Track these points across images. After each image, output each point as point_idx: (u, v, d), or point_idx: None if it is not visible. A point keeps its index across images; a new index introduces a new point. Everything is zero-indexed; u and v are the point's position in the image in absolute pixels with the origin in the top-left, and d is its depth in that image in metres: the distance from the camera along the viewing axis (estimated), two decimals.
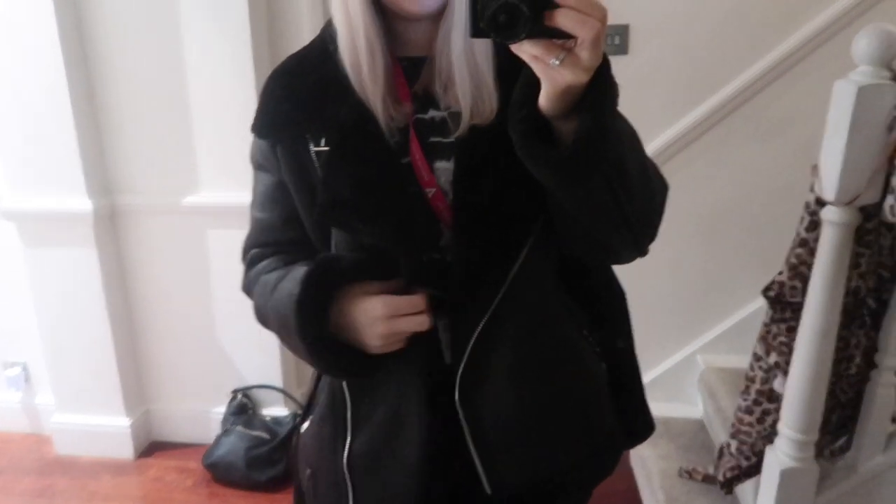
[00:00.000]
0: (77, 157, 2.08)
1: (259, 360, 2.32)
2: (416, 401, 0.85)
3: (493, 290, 0.82)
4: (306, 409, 1.02)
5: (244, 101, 1.99)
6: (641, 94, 2.11)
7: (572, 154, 0.66)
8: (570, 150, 0.66)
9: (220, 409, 2.34)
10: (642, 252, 0.84)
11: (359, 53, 0.79)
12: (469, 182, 0.80)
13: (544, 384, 0.89)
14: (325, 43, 0.84)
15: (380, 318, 0.80)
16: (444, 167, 0.81)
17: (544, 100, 0.66)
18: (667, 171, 2.06)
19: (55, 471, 2.33)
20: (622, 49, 2.07)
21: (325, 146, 0.82)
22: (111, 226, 2.23)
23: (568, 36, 0.61)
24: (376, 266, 0.83)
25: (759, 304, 2.23)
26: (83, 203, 2.12)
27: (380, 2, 0.78)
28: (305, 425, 1.01)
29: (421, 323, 0.81)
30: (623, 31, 2.05)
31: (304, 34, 2.05)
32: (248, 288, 0.97)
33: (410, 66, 0.83)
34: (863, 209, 1.32)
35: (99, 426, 2.35)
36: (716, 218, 2.22)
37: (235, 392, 2.35)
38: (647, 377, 2.35)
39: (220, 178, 2.13)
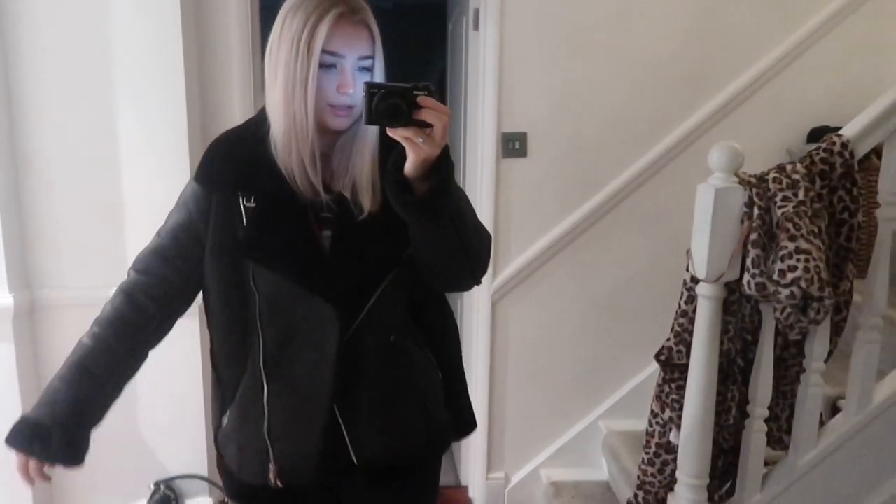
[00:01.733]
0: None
1: (182, 448, 2.32)
2: (322, 385, 1.18)
3: (353, 319, 1.17)
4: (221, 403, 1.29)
5: (175, 193, 2.10)
6: (539, 191, 2.43)
7: (427, 199, 1.02)
8: (425, 196, 1.02)
9: None
10: (477, 280, 1.21)
11: (298, 151, 1.11)
12: (340, 249, 1.17)
13: (394, 384, 1.24)
14: (257, 127, 1.17)
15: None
16: (327, 235, 1.17)
17: (409, 167, 1.01)
18: (562, 258, 2.43)
19: None
20: (522, 152, 2.38)
21: (252, 203, 1.14)
22: (29, 321, 2.22)
23: (427, 125, 0.98)
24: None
25: (649, 373, 2.53)
26: (3, 298, 2.11)
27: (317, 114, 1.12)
28: (225, 420, 1.28)
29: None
30: (522, 137, 2.38)
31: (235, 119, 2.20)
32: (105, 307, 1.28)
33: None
34: (727, 285, 1.62)
35: None
36: (607, 298, 2.53)
37: (157, 484, 2.32)
38: (554, 445, 2.61)
39: None
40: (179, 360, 2.13)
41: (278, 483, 1.23)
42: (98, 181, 2.16)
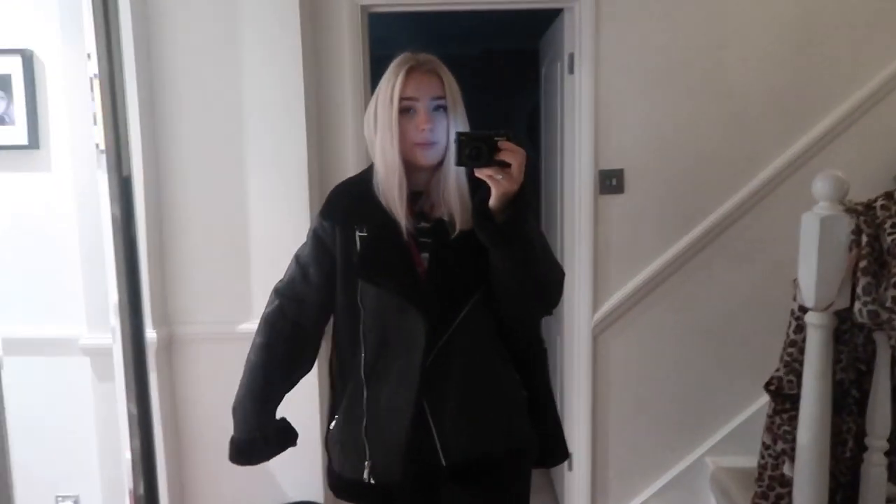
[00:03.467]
0: (146, 291, 2.33)
1: (301, 476, 2.46)
2: (408, 388, 1.35)
3: (446, 328, 1.34)
4: (332, 409, 1.51)
5: (294, 236, 2.29)
6: (637, 226, 2.47)
7: (504, 224, 1.22)
8: (503, 222, 1.22)
9: None
10: (548, 309, 1.40)
11: (392, 187, 1.34)
12: (435, 267, 1.36)
13: (480, 392, 1.39)
14: (368, 175, 1.41)
15: None
16: (425, 256, 1.37)
17: (492, 200, 1.22)
18: (662, 291, 2.46)
19: None
20: (619, 189, 2.45)
21: (364, 233, 1.37)
22: (168, 355, 2.45)
23: (506, 164, 1.18)
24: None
25: (756, 408, 2.49)
26: (147, 333, 2.34)
27: (405, 154, 1.33)
28: (333, 423, 1.49)
29: None
30: (619, 174, 2.44)
31: (348, 167, 2.38)
32: (260, 327, 1.51)
33: (413, 196, 1.38)
34: (837, 313, 1.61)
35: None
36: (709, 330, 2.51)
37: None
38: (660, 480, 2.58)
39: None
40: (297, 399, 2.28)
41: (371, 479, 1.40)
42: (227, 225, 2.38)
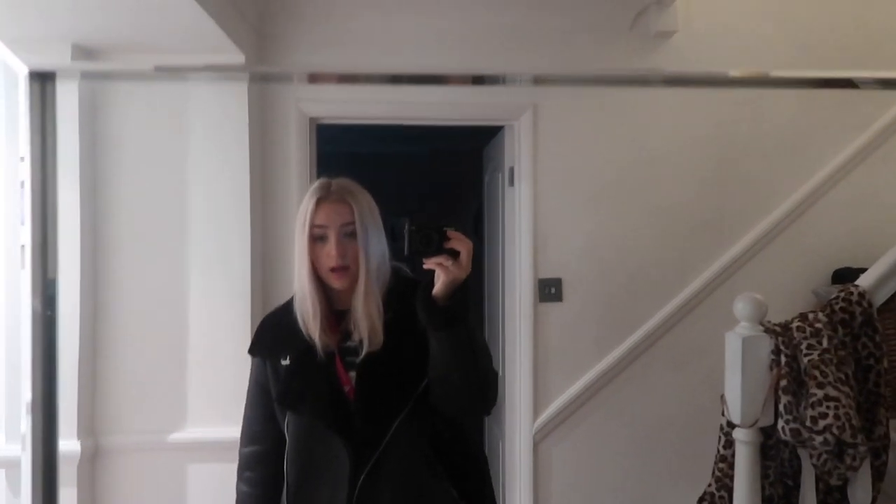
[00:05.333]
0: (74, 400, 2.24)
1: None
2: None
3: (374, 449, 1.33)
4: None
5: (236, 340, 2.27)
6: (576, 333, 2.54)
7: (448, 309, 1.23)
8: (447, 308, 1.23)
9: None
10: (487, 406, 1.36)
11: (307, 311, 1.36)
12: (363, 386, 1.35)
13: None
14: (291, 304, 1.41)
15: None
16: (353, 375, 1.36)
17: (439, 288, 1.22)
18: (600, 398, 2.49)
19: None
20: (557, 297, 2.52)
21: (287, 361, 1.39)
22: (91, 468, 2.33)
23: (456, 253, 1.20)
24: None
25: None
26: (72, 445, 2.23)
27: (320, 279, 1.36)
28: None
29: None
30: (557, 283, 2.52)
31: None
32: (238, 487, 1.49)
33: (339, 315, 1.39)
34: (763, 429, 1.67)
35: None
36: (647, 437, 2.55)
37: None
38: None
39: (208, 413, 2.32)
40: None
41: None
42: (166, 330, 2.34)
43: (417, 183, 4.66)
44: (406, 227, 1.24)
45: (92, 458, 2.31)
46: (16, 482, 2.25)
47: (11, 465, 2.24)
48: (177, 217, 2.33)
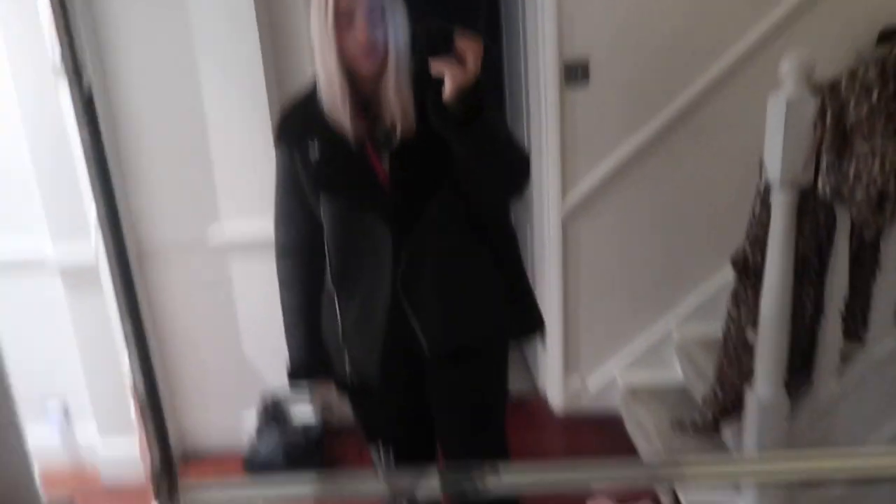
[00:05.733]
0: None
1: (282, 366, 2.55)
2: (381, 293, 1.40)
3: (415, 225, 1.38)
4: None
5: (256, 134, 2.26)
6: (604, 114, 2.49)
7: (462, 115, 1.20)
8: (461, 113, 1.21)
9: (250, 417, 2.55)
10: (519, 190, 1.42)
11: (335, 97, 1.32)
12: (397, 170, 1.37)
13: (456, 283, 1.44)
14: (312, 89, 1.39)
15: None
16: (385, 160, 1.37)
17: (448, 93, 1.19)
18: (630, 177, 2.50)
19: (103, 499, 2.48)
20: (585, 78, 2.43)
21: (319, 147, 1.38)
22: (138, 266, 2.44)
23: (463, 56, 1.16)
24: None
25: (720, 281, 2.62)
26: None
27: (345, 63, 1.30)
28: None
29: None
30: (584, 63, 2.42)
31: (306, 72, 2.32)
32: (278, 270, 1.55)
33: (365, 101, 1.36)
34: (801, 190, 1.69)
35: (136, 454, 2.50)
36: (677, 212, 2.60)
37: (264, 396, 2.56)
38: (630, 352, 2.74)
39: (241, 212, 2.37)
40: (271, 295, 2.33)
41: (353, 380, 1.49)
42: (185, 134, 2.33)
43: None
44: (411, 29, 1.20)
45: (138, 262, 2.42)
46: (73, 287, 2.37)
47: (68, 273, 2.35)
48: (181, 9, 2.21)
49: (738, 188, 2.05)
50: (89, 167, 0.99)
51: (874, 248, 1.77)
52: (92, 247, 2.32)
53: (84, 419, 2.59)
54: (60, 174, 2.24)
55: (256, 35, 2.23)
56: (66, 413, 2.63)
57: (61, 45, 0.83)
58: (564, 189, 2.57)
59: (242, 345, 2.55)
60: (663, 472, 1.32)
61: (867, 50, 2.38)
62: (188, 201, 2.41)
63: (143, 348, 1.17)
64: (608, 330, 2.75)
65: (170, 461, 1.19)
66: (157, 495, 1.17)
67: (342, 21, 1.26)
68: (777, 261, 1.73)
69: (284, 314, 1.56)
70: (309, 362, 1.56)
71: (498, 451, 1.61)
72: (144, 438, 1.12)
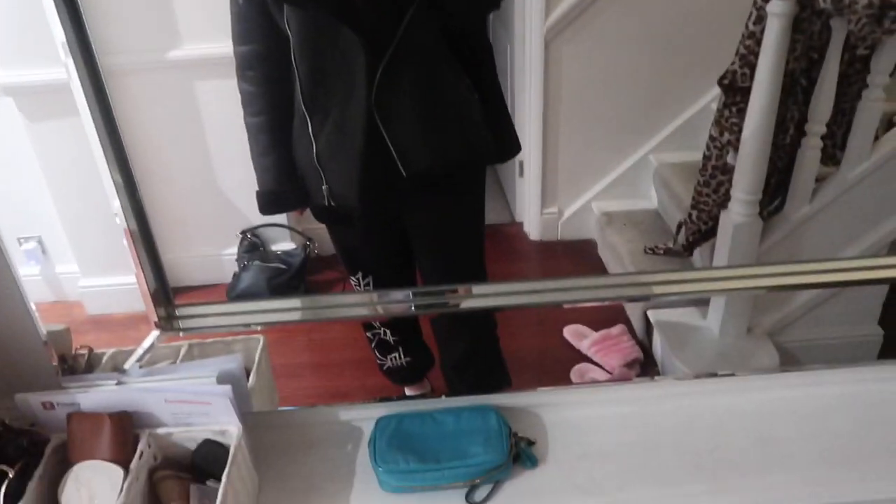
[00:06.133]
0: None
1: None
2: (356, 112, 1.33)
3: (391, 38, 1.27)
4: None
5: None
6: None
7: None
8: None
9: (231, 252, 2.56)
10: (496, 2, 1.33)
11: None
12: None
13: (434, 100, 1.37)
14: None
15: None
16: None
17: None
18: None
19: (92, 328, 2.53)
20: None
21: None
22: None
23: None
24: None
25: (700, 106, 2.56)
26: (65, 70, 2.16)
27: None
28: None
29: None
30: None
31: None
32: (239, 90, 1.45)
33: None
34: (799, 0, 1.58)
35: (122, 284, 2.51)
36: (664, 32, 2.45)
37: (244, 233, 2.55)
38: (606, 179, 2.74)
39: (203, 30, 2.20)
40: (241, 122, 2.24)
41: (331, 202, 1.44)
42: None
43: None
44: None
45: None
46: (29, 109, 2.24)
47: (21, 93, 2.20)
48: None
49: (727, 12, 1.92)
50: None
51: (865, 65, 1.70)
52: (51, 70, 2.15)
53: (63, 261, 2.56)
54: None
55: None
56: (44, 252, 2.59)
57: None
58: (548, 5, 2.40)
59: (218, 181, 2.47)
60: (632, 288, 1.35)
61: None
62: (146, 20, 2.21)
63: (130, 184, 1.14)
64: (586, 159, 2.71)
65: (166, 289, 1.21)
66: (158, 319, 1.20)
67: None
68: (766, 77, 1.66)
69: (251, 140, 1.48)
70: (281, 192, 1.50)
71: (477, 278, 1.62)
72: (139, 271, 1.13)
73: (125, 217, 1.18)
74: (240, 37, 1.40)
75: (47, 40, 2.05)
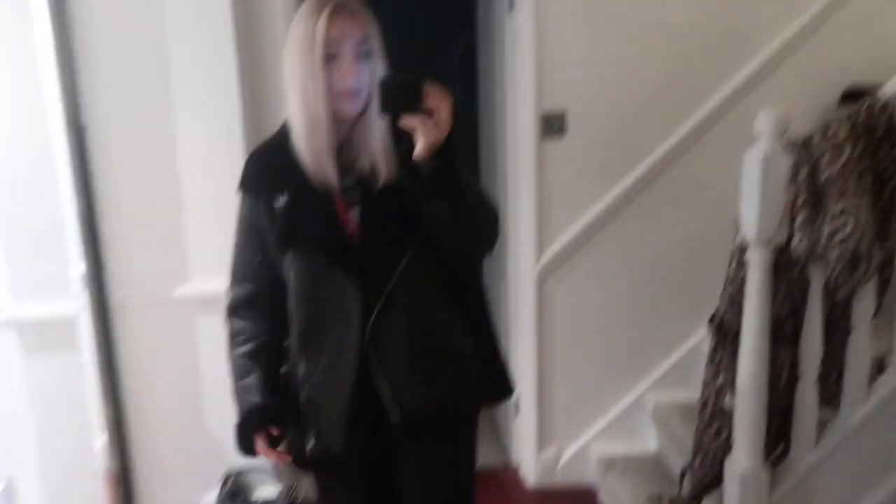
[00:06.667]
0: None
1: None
2: (348, 354, 1.32)
3: (386, 283, 1.30)
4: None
5: (231, 190, 2.18)
6: (581, 168, 2.47)
7: (433, 172, 1.16)
8: (433, 170, 1.16)
9: (210, 498, 2.38)
10: (488, 247, 1.36)
11: (320, 141, 1.26)
12: (368, 221, 1.31)
13: (427, 344, 1.36)
14: (282, 135, 1.33)
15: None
16: (354, 213, 1.31)
17: (419, 149, 1.15)
18: (606, 233, 2.47)
19: None
20: (561, 131, 2.42)
21: (284, 200, 1.31)
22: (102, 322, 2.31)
23: (434, 111, 1.11)
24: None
25: (693, 343, 2.57)
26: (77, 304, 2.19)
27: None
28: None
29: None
30: (561, 116, 2.41)
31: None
32: (228, 325, 1.47)
33: (336, 148, 1.29)
34: (775, 249, 1.65)
35: None
36: (652, 270, 2.56)
37: (227, 476, 2.39)
38: (603, 419, 2.65)
39: (210, 264, 2.28)
40: None
41: (316, 446, 1.38)
42: (158, 186, 2.22)
43: (399, 25, 4.38)
44: (379, 83, 1.13)
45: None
46: (30, 342, 2.24)
47: (23, 327, 2.21)
48: (158, 56, 2.16)
49: (716, 245, 2.01)
50: (81, 223, 0.95)
51: (847, 308, 1.72)
52: (58, 304, 2.19)
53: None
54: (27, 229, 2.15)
55: (237, 95, 2.19)
56: (11, 497, 2.43)
57: (63, 91, 0.78)
58: (540, 245, 2.53)
59: (205, 417, 2.40)
60: None
61: (831, 109, 2.41)
62: (156, 257, 2.29)
63: (120, 422, 1.08)
64: (583, 398, 2.66)
65: None
66: None
67: (328, 61, 1.23)
68: (753, 322, 1.67)
69: (235, 370, 1.45)
70: (264, 406, 1.41)
71: None
72: None
73: (109, 456, 1.11)
74: (239, 277, 1.44)
75: (61, 273, 2.14)
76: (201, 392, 2.37)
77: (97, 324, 2.22)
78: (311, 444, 1.39)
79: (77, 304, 2.18)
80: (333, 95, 1.24)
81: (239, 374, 1.45)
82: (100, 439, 2.26)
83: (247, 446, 1.43)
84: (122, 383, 2.33)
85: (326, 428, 1.37)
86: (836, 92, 2.44)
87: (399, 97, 1.11)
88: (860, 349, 1.72)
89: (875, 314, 1.73)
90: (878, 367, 1.93)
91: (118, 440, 2.34)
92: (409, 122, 1.12)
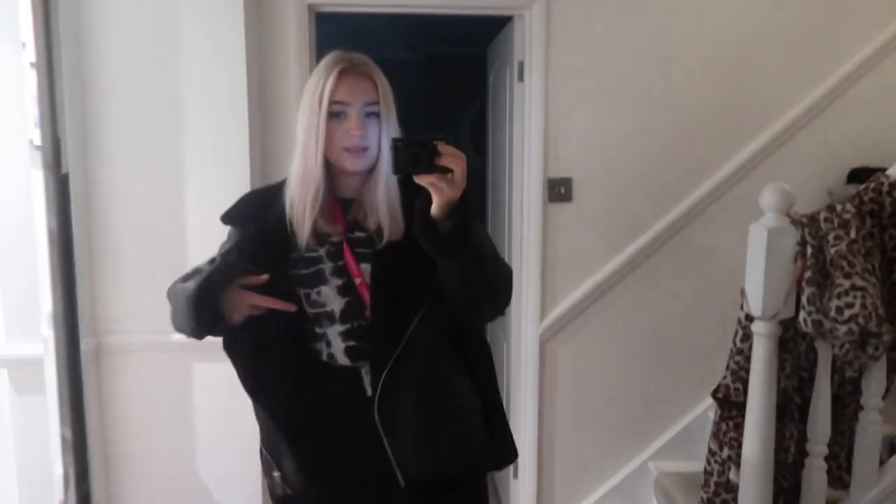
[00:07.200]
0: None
1: (240, 494, 2.35)
2: (349, 423, 1.30)
3: (396, 344, 1.27)
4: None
5: None
6: (585, 234, 2.49)
7: (450, 236, 1.14)
8: (449, 234, 1.14)
9: None
10: (500, 310, 1.34)
11: (306, 193, 1.25)
12: (380, 278, 1.29)
13: (435, 408, 1.31)
14: (281, 186, 1.33)
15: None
16: (366, 268, 1.29)
17: (434, 209, 1.13)
18: (609, 299, 2.47)
19: None
20: (567, 197, 2.45)
21: (251, 231, 1.31)
22: (95, 367, 2.30)
23: (448, 170, 1.11)
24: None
25: (697, 413, 2.54)
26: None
27: (328, 161, 1.26)
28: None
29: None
30: (567, 182, 2.45)
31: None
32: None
33: (345, 204, 1.32)
34: (782, 322, 1.65)
35: None
36: (655, 338, 2.55)
37: None
38: (604, 487, 2.60)
39: None
40: (234, 409, 2.17)
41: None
42: (164, 230, 2.25)
43: (412, 90, 4.50)
44: (391, 143, 1.14)
45: (96, 359, 2.28)
46: (21, 381, 2.22)
47: (16, 365, 2.21)
48: (173, 111, 2.20)
49: (721, 314, 2.01)
50: (51, 257, 0.93)
51: (856, 387, 1.71)
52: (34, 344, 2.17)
53: None
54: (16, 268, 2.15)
55: (247, 136, 2.22)
56: None
57: (42, 127, 0.80)
58: (543, 309, 2.52)
59: (198, 467, 2.36)
60: None
61: (837, 188, 2.44)
62: (156, 301, 2.29)
63: (82, 475, 1.03)
64: (583, 463, 2.62)
65: None
66: None
67: (335, 118, 1.24)
68: (759, 396, 1.65)
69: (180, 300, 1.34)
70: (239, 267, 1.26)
71: None
72: None
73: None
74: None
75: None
76: (195, 440, 2.33)
77: (63, 366, 2.17)
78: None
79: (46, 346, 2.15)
80: (338, 150, 1.25)
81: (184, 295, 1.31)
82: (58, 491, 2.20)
83: (214, 309, 1.25)
84: (107, 429, 2.30)
85: (332, 487, 1.34)
86: (843, 171, 2.49)
87: (410, 157, 1.11)
88: (871, 429, 1.70)
89: (885, 394, 1.71)
90: (890, 448, 1.90)
91: (80, 491, 2.27)
92: (425, 180, 1.12)
